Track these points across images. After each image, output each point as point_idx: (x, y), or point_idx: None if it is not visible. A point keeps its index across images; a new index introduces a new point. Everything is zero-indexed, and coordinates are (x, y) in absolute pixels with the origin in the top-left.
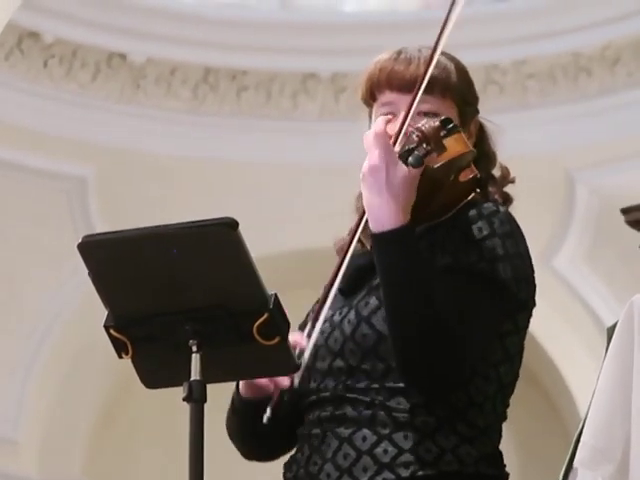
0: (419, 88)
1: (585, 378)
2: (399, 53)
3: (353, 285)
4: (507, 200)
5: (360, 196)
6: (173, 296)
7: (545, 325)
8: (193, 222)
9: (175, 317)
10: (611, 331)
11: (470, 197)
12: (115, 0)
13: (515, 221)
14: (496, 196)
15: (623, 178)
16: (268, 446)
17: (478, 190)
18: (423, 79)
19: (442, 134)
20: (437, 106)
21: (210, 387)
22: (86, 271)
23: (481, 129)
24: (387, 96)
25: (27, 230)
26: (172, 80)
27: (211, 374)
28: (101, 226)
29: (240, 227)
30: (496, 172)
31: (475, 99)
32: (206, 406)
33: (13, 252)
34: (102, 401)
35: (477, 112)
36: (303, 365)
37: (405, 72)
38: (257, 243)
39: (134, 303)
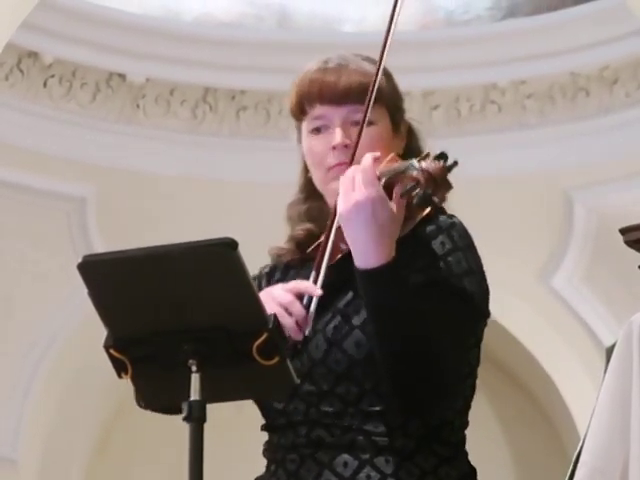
0: (370, 99)
1: (584, 397)
2: (326, 62)
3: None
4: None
5: (293, 205)
6: (173, 316)
7: (543, 344)
8: (193, 242)
9: (174, 337)
10: (610, 351)
11: (425, 212)
12: (114, 20)
13: (468, 231)
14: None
15: (622, 198)
16: None
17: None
18: (372, 91)
19: (446, 173)
20: (372, 115)
21: (209, 407)
22: (86, 291)
23: (409, 130)
24: (319, 109)
25: (26, 250)
26: (171, 100)
27: (210, 394)
28: (101, 246)
29: (240, 247)
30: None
31: (402, 101)
32: (205, 426)
33: (12, 272)
34: (101, 421)
35: (404, 113)
36: (312, 311)
37: (337, 84)
38: (257, 263)
39: (134, 323)
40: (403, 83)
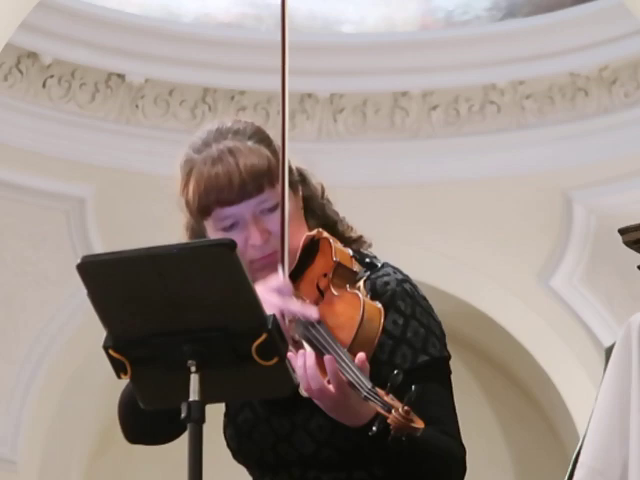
0: (283, 204)
1: (583, 398)
2: (213, 160)
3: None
4: (347, 226)
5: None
6: (172, 316)
7: (542, 344)
8: (192, 242)
9: (174, 337)
10: (609, 351)
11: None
12: (113, 21)
13: (407, 280)
14: (349, 232)
15: (621, 198)
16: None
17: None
18: (283, 200)
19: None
20: (274, 198)
21: (209, 407)
22: (85, 291)
23: (300, 175)
24: (223, 212)
25: (25, 250)
26: (170, 100)
27: (210, 394)
28: (100, 246)
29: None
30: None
31: (290, 166)
32: (205, 427)
33: (11, 273)
34: (101, 422)
35: (292, 168)
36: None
37: (232, 185)
38: None
39: (133, 323)
40: (402, 83)
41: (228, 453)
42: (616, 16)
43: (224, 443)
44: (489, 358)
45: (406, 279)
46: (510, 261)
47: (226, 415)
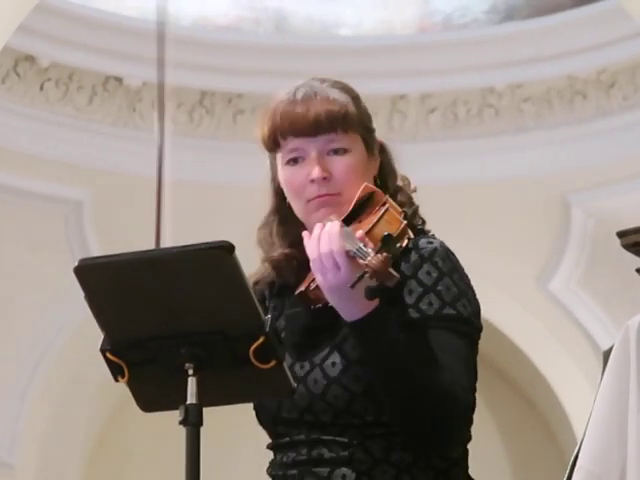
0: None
1: (581, 401)
2: (295, 94)
3: (308, 341)
4: (412, 205)
5: (264, 227)
6: (169, 319)
7: (541, 348)
8: (189, 246)
9: (171, 341)
10: (607, 355)
11: (405, 243)
12: (111, 24)
13: (450, 250)
14: (405, 204)
15: (619, 201)
16: None
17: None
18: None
19: (390, 260)
20: (345, 142)
21: (206, 411)
22: (82, 295)
23: (382, 148)
24: (292, 142)
25: (23, 254)
26: (168, 104)
27: (207, 397)
28: (97, 249)
29: (236, 251)
30: (400, 182)
31: (372, 122)
32: (202, 430)
33: (9, 276)
34: (98, 425)
35: (375, 133)
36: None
37: (306, 117)
38: (254, 267)
39: (130, 326)
40: (400, 86)
41: (225, 456)
42: (614, 19)
43: (222, 446)
44: (487, 361)
45: (451, 251)
46: (508, 264)
47: None
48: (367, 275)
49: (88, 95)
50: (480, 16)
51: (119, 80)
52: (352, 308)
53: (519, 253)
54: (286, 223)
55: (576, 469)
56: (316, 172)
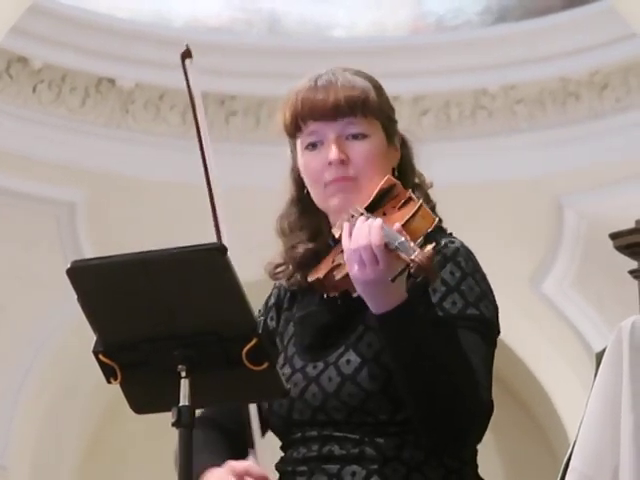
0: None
1: (574, 403)
2: (316, 80)
3: (322, 341)
4: (429, 202)
5: (285, 217)
6: (162, 321)
7: (534, 349)
8: (182, 247)
9: (164, 342)
10: (600, 357)
11: (432, 246)
12: (104, 26)
13: (470, 250)
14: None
15: (612, 203)
16: None
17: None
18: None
19: (433, 257)
20: (364, 127)
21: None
22: (75, 296)
23: (403, 142)
24: (312, 126)
25: (16, 255)
26: (161, 105)
27: (200, 399)
28: (90, 251)
29: (229, 252)
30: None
31: (394, 112)
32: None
33: (1, 277)
34: (91, 426)
35: (397, 124)
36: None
37: (327, 100)
38: (246, 268)
39: (123, 328)
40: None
41: None
42: (607, 21)
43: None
44: None
45: (471, 251)
46: (501, 266)
47: None
48: (410, 270)
49: (81, 96)
50: (473, 18)
51: (112, 81)
52: (383, 301)
53: (512, 254)
54: (306, 213)
55: (569, 471)
56: (333, 153)
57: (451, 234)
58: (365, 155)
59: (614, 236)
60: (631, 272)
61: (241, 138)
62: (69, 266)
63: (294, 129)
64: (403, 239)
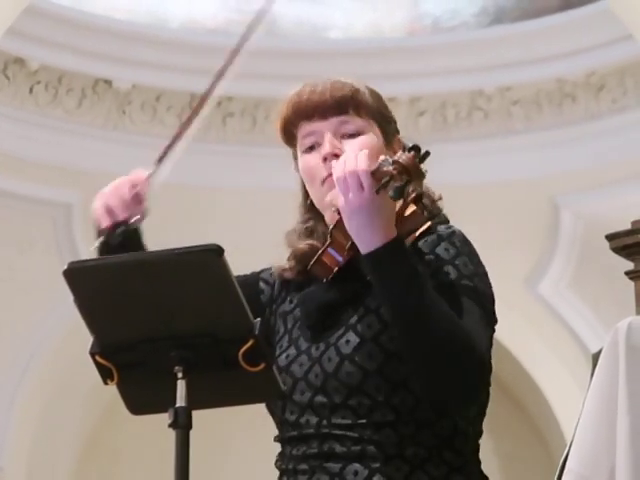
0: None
1: (570, 403)
2: (305, 85)
3: (322, 321)
4: (434, 203)
5: (292, 231)
6: (159, 322)
7: (530, 350)
8: (179, 248)
9: (161, 344)
10: (596, 358)
11: (426, 226)
12: (100, 27)
13: (470, 241)
14: (431, 206)
15: (608, 204)
16: None
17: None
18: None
19: (417, 162)
20: (358, 125)
21: (195, 414)
22: (72, 298)
23: (403, 149)
24: (305, 127)
25: (12, 256)
26: (157, 106)
27: (196, 400)
28: (86, 252)
29: (226, 253)
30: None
31: (390, 113)
32: (191, 433)
33: None
34: (87, 427)
35: (398, 131)
36: None
37: (314, 98)
38: (243, 269)
39: (120, 329)
40: (390, 89)
41: (215, 459)
42: (603, 22)
43: (211, 448)
44: None
45: (470, 241)
46: (497, 267)
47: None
48: (393, 178)
49: (77, 98)
50: (469, 19)
51: (108, 83)
52: (371, 235)
53: (508, 255)
54: (310, 220)
55: (565, 472)
56: (327, 147)
57: (451, 226)
58: (360, 148)
59: (610, 237)
60: (627, 273)
61: (238, 139)
62: (65, 267)
63: (288, 135)
64: (386, 157)
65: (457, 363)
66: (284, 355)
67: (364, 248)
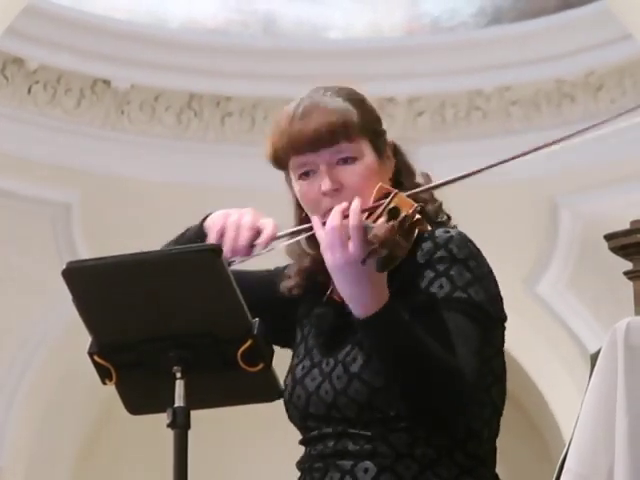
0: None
1: (569, 403)
2: (296, 108)
3: (333, 340)
4: (435, 202)
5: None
6: (157, 322)
7: (529, 350)
8: (177, 248)
9: (159, 343)
10: (595, 357)
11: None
12: (99, 27)
13: (471, 240)
14: (434, 212)
15: (607, 204)
16: None
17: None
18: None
19: (398, 231)
20: (352, 151)
21: (194, 413)
22: (70, 297)
23: (395, 149)
24: (298, 159)
25: (11, 256)
26: (156, 106)
27: (195, 400)
28: (85, 252)
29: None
30: (420, 179)
31: (381, 124)
32: (190, 433)
33: None
34: (86, 427)
35: (385, 135)
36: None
37: (306, 132)
38: (241, 269)
39: (118, 329)
40: (389, 89)
41: (214, 459)
42: (602, 22)
43: (210, 448)
44: None
45: (470, 239)
46: (496, 267)
47: (289, 368)
48: (375, 247)
49: (76, 98)
50: (468, 19)
51: (107, 83)
52: (361, 296)
53: (507, 255)
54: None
55: (564, 471)
56: (326, 184)
57: (455, 227)
58: (358, 178)
59: (609, 237)
60: (626, 273)
61: (236, 139)
62: (64, 267)
63: (280, 165)
64: (368, 222)
65: (442, 397)
66: (300, 366)
67: (356, 312)
